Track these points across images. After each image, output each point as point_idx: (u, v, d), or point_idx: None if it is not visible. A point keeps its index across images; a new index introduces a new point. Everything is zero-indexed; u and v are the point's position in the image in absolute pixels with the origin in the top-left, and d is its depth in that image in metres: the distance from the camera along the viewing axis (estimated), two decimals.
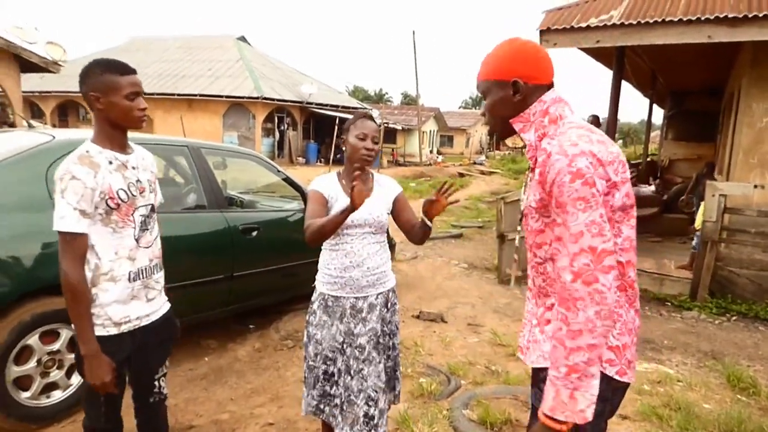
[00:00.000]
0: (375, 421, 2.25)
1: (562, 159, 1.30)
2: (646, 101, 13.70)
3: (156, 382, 2.14)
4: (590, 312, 1.25)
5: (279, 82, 24.71)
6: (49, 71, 12.69)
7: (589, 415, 1.29)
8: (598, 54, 7.86)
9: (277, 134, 23.58)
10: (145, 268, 1.95)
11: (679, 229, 8.64)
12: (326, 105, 24.51)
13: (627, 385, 1.46)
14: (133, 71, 1.87)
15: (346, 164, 2.41)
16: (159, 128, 23.17)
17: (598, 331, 1.27)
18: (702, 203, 5.95)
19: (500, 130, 1.54)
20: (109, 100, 1.79)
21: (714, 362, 4.24)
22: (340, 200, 2.35)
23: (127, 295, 1.89)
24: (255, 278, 4.11)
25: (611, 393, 1.42)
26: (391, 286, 2.42)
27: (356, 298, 2.32)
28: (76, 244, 1.76)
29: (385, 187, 2.45)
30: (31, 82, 21.33)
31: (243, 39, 28.48)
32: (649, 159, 14.16)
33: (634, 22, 5.55)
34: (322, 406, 2.38)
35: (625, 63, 7.22)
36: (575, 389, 1.28)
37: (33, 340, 2.77)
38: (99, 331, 1.85)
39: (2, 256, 2.66)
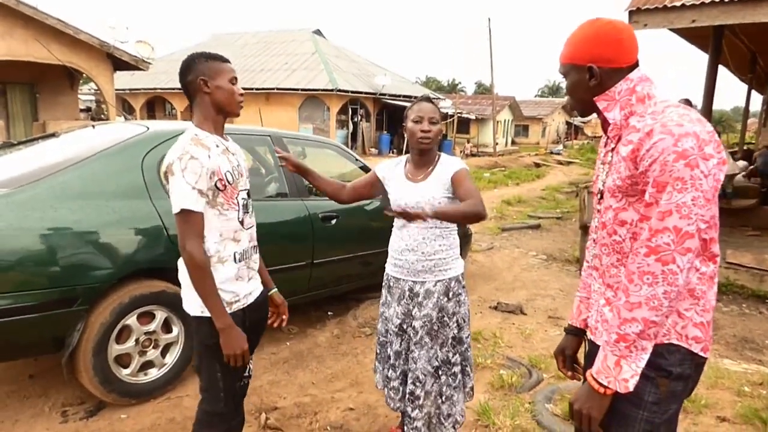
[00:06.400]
0: (420, 402, 2.31)
1: (668, 138, 1.27)
2: (741, 87, 12.73)
3: (249, 365, 2.18)
4: (659, 290, 1.27)
5: (353, 74, 24.93)
6: (139, 69, 13.43)
7: (632, 385, 1.32)
8: (692, 35, 7.35)
9: (351, 126, 23.85)
10: (247, 250, 2.02)
11: None
12: (399, 96, 24.49)
13: (705, 361, 1.45)
14: (230, 61, 1.98)
15: (410, 151, 2.42)
16: (238, 121, 24.00)
17: (662, 310, 1.28)
18: None
19: (581, 110, 1.55)
20: (216, 84, 1.89)
21: None
22: (392, 183, 2.41)
23: (234, 274, 1.93)
24: (333, 265, 4.17)
25: (693, 370, 1.43)
26: (453, 275, 2.35)
27: (413, 282, 2.34)
28: (197, 222, 1.79)
29: (445, 167, 2.30)
30: (122, 79, 22.68)
31: (318, 32, 28.91)
32: (745, 147, 13.20)
33: None
34: (385, 390, 2.48)
35: (722, 45, 6.71)
36: (622, 357, 1.32)
37: (131, 320, 2.93)
38: None
39: (104, 241, 2.82)
